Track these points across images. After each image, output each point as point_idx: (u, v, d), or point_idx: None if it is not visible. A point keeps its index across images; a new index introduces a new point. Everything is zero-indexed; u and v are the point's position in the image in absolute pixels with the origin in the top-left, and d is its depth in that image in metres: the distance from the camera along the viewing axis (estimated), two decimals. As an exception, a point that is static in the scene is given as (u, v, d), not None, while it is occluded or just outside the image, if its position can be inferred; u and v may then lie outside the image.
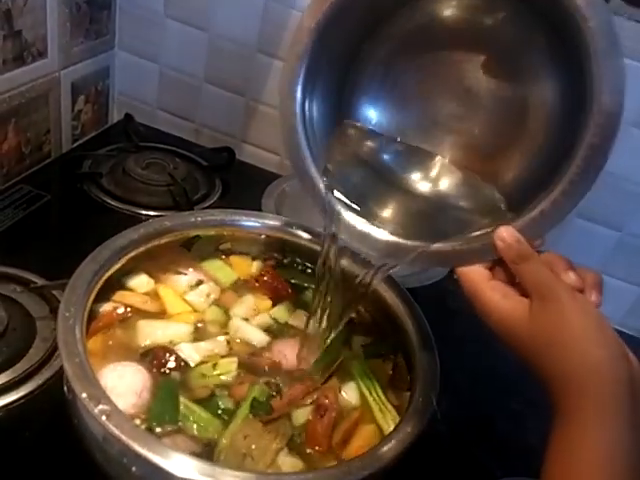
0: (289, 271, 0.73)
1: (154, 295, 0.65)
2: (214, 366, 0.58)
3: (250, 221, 0.70)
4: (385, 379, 0.62)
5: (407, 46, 0.55)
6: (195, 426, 0.52)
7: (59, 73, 0.98)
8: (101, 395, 0.45)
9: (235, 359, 0.59)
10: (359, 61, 0.56)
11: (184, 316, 0.63)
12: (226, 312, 0.66)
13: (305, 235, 0.72)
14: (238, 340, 0.63)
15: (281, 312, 0.67)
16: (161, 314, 0.63)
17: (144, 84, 1.14)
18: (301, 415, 0.55)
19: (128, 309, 0.62)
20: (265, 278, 0.71)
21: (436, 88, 0.55)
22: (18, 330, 0.68)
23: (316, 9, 0.51)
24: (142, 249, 0.63)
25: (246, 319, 0.65)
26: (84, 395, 0.45)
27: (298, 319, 0.67)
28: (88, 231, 0.65)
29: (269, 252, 0.74)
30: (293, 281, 0.72)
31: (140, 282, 0.66)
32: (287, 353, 0.61)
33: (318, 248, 0.70)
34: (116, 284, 0.63)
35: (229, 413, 0.54)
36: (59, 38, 0.95)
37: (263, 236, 0.71)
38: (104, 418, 0.44)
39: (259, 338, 0.63)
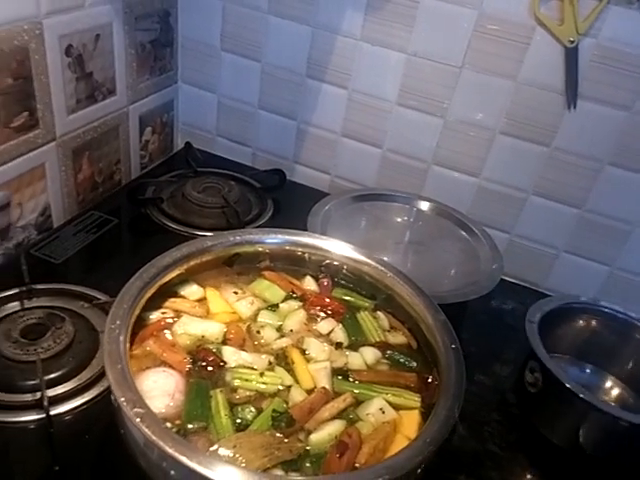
0: (341, 289, 0.76)
1: (203, 302, 0.71)
2: (261, 375, 0.62)
3: (285, 239, 0.74)
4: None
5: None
6: (214, 429, 0.55)
7: (127, 108, 1.07)
8: (137, 399, 0.50)
9: (281, 375, 0.62)
10: None
11: (221, 316, 0.68)
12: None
13: (342, 253, 0.75)
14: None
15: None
16: (204, 317, 0.69)
17: (204, 113, 1.22)
18: (320, 440, 0.56)
19: (174, 318, 0.67)
20: (316, 297, 0.74)
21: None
22: (83, 342, 0.75)
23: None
24: (185, 266, 0.68)
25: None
26: (122, 399, 0.50)
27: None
28: (149, 252, 0.71)
29: (312, 269, 0.77)
30: (347, 298, 0.75)
31: (191, 291, 0.71)
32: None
33: (355, 266, 0.74)
34: (169, 292, 0.69)
35: (246, 423, 0.56)
36: (127, 77, 1.04)
37: (300, 253, 0.75)
38: (138, 420, 0.48)
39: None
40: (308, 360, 0.65)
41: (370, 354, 0.67)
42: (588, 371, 0.87)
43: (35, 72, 0.84)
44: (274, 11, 1.06)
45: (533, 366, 0.76)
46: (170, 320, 0.66)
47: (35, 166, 0.90)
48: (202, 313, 0.69)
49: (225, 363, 0.62)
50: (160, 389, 0.56)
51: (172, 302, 0.68)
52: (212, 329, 0.66)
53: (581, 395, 0.69)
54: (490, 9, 0.93)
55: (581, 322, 0.87)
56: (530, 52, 0.93)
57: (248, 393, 0.59)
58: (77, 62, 0.91)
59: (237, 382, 0.60)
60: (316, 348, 0.66)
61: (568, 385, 0.70)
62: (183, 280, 0.71)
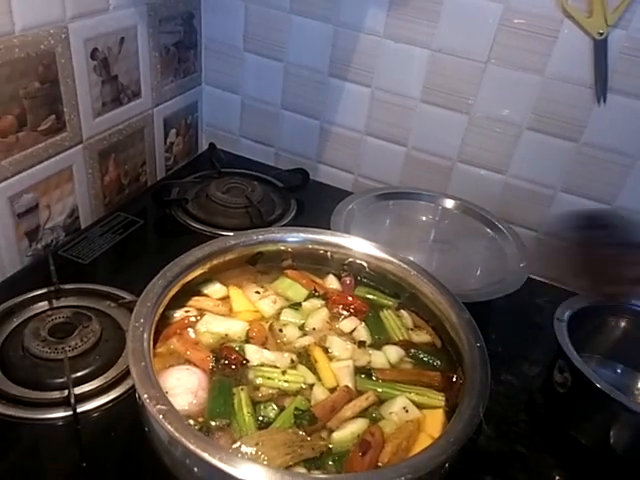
0: (364, 287, 0.76)
1: (226, 300, 0.71)
2: (283, 373, 0.61)
3: (307, 238, 0.74)
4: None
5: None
6: (237, 426, 0.55)
7: (152, 111, 1.09)
8: (160, 396, 0.50)
9: (304, 374, 0.62)
10: None
11: (244, 314, 0.69)
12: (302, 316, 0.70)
13: (365, 251, 0.74)
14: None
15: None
16: (227, 316, 0.69)
17: (228, 115, 1.23)
18: (343, 439, 0.55)
19: (198, 317, 0.67)
20: (339, 295, 0.73)
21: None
22: (110, 341, 0.76)
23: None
24: (208, 265, 0.68)
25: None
26: (145, 396, 0.50)
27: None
28: (174, 252, 0.72)
29: (334, 268, 0.77)
30: (370, 297, 0.74)
31: (214, 289, 0.72)
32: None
33: (378, 264, 0.73)
34: (192, 291, 0.70)
35: (268, 421, 0.56)
36: (151, 79, 1.05)
37: (322, 251, 0.75)
38: (161, 417, 0.48)
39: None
40: (331, 358, 0.64)
41: (393, 353, 0.66)
42: (619, 371, 0.85)
43: (61, 76, 0.85)
44: (296, 10, 1.06)
45: (562, 366, 0.74)
46: (193, 318, 0.67)
47: (63, 169, 0.92)
48: (225, 312, 0.69)
49: (248, 361, 0.62)
50: (183, 387, 0.57)
51: (195, 300, 0.69)
52: (235, 327, 0.66)
53: (612, 395, 0.67)
54: (516, 3, 0.91)
55: (611, 321, 0.84)
56: (558, 45, 0.91)
57: (271, 391, 0.59)
58: (102, 65, 0.93)
59: (260, 380, 0.60)
60: (339, 346, 0.65)
61: (599, 385, 0.68)
62: (206, 279, 0.71)
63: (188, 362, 0.61)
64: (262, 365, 0.62)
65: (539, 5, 0.90)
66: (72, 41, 0.85)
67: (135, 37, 0.98)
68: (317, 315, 0.69)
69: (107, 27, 0.91)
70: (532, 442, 0.74)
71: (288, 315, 0.69)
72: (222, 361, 0.61)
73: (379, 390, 0.61)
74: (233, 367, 0.61)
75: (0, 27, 0.74)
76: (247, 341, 0.65)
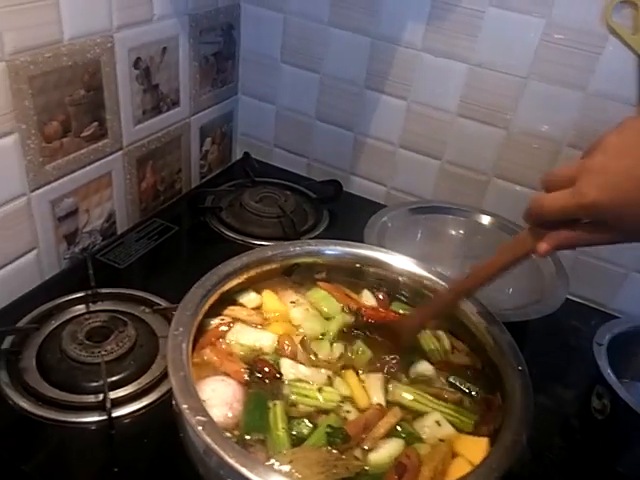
0: (400, 303, 0.75)
1: (259, 309, 0.71)
2: (319, 390, 0.61)
3: (345, 251, 0.73)
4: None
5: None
6: (270, 442, 0.55)
7: (189, 119, 1.10)
8: (200, 407, 0.50)
9: (339, 387, 0.62)
10: None
11: (274, 327, 0.68)
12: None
13: (400, 267, 0.74)
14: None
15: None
16: (259, 326, 0.69)
17: (263, 124, 1.24)
18: (380, 461, 0.54)
19: (231, 325, 0.67)
20: (373, 310, 0.73)
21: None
22: (144, 347, 0.77)
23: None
24: (245, 275, 0.69)
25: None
26: (185, 406, 0.50)
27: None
28: (207, 259, 0.72)
29: (370, 282, 0.76)
30: (402, 312, 0.73)
31: (249, 299, 0.72)
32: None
33: (415, 280, 0.72)
34: (228, 300, 0.70)
35: (302, 437, 0.56)
36: (190, 89, 1.07)
37: (359, 265, 0.74)
38: (200, 428, 0.48)
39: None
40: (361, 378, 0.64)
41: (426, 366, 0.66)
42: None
43: (105, 84, 0.87)
44: (334, 23, 1.06)
45: (600, 391, 0.72)
46: (225, 327, 0.67)
47: (102, 174, 0.93)
48: (259, 321, 0.69)
49: (281, 375, 0.61)
50: (219, 398, 0.56)
51: (231, 310, 0.69)
52: (264, 340, 0.65)
53: (655, 424, 0.65)
54: (559, 18, 0.90)
55: (653, 345, 0.82)
56: (601, 62, 0.90)
57: (308, 409, 0.59)
58: (144, 74, 0.94)
59: (294, 397, 0.59)
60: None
61: (640, 412, 0.66)
62: (242, 288, 0.71)
63: (223, 373, 0.61)
64: (298, 381, 0.61)
65: (582, 20, 0.89)
66: (117, 50, 0.86)
67: (176, 47, 0.99)
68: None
69: (150, 37, 0.93)
70: (568, 469, 0.72)
71: (318, 328, 0.69)
72: (256, 374, 0.61)
73: (410, 399, 0.60)
74: (267, 381, 0.61)
75: (49, 36, 0.76)
76: (276, 353, 0.64)
